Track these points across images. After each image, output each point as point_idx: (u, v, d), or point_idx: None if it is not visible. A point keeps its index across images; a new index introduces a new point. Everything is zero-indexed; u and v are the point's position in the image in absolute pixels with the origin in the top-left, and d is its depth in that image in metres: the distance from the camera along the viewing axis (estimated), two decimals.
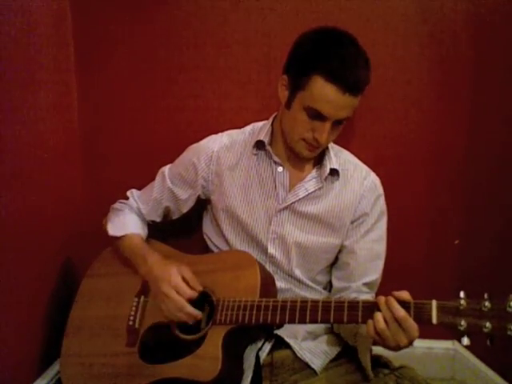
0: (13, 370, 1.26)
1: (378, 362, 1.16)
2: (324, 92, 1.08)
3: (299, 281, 1.28)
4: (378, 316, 0.95)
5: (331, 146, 1.29)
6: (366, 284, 1.25)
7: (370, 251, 1.26)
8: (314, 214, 1.25)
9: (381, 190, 1.30)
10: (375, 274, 1.26)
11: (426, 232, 1.61)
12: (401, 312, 0.93)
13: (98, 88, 1.55)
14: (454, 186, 1.57)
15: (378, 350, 1.26)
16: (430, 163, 1.56)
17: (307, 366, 1.18)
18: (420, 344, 1.66)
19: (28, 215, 1.29)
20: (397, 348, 0.96)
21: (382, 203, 1.29)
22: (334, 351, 1.21)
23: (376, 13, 1.45)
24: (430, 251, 1.62)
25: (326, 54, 1.09)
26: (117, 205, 1.39)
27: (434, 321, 0.92)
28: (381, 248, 1.28)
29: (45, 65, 1.37)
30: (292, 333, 1.22)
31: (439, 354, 1.67)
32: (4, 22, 1.17)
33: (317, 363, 1.18)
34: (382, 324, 0.94)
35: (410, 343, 0.95)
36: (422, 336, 1.63)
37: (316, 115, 1.11)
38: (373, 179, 1.29)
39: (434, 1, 1.45)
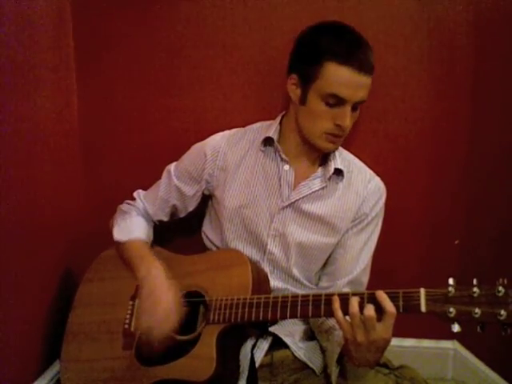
0: (13, 369, 1.26)
1: (378, 362, 1.16)
2: (339, 75, 1.10)
3: (297, 280, 1.28)
4: (353, 301, 0.96)
5: None
6: (349, 282, 1.25)
7: (359, 250, 1.27)
8: (316, 213, 1.25)
9: (384, 194, 1.30)
10: (358, 269, 1.26)
11: (426, 232, 1.61)
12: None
13: (98, 88, 1.54)
14: (454, 186, 1.57)
15: None
16: (431, 163, 1.56)
17: (306, 366, 1.18)
18: (420, 344, 1.66)
19: (28, 216, 1.29)
20: (363, 355, 0.97)
21: (381, 206, 1.29)
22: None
23: (376, 13, 1.45)
24: (430, 251, 1.62)
25: (332, 39, 1.13)
26: (124, 206, 1.39)
27: (423, 309, 0.92)
28: (369, 248, 1.29)
29: (45, 65, 1.37)
30: (289, 331, 1.22)
31: (439, 354, 1.67)
32: (4, 21, 1.17)
33: (316, 363, 1.18)
34: (355, 308, 0.95)
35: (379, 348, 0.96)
36: (422, 336, 1.66)
37: (335, 102, 1.12)
38: (377, 183, 1.30)
39: (434, 1, 1.45)
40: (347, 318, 0.98)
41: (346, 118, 1.13)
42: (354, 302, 0.96)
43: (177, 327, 1.12)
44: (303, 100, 1.18)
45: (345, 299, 0.98)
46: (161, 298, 1.13)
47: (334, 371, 1.09)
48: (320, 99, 1.14)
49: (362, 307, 0.96)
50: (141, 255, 1.26)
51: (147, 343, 1.13)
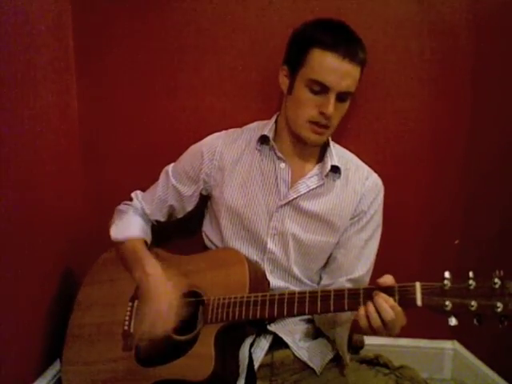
0: (13, 369, 1.26)
1: (378, 362, 1.16)
2: (323, 61, 1.11)
3: (297, 279, 1.28)
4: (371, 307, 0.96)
5: (333, 144, 1.29)
6: (350, 280, 1.25)
7: (360, 249, 1.27)
8: (314, 211, 1.25)
9: (382, 190, 1.30)
10: (361, 271, 1.26)
11: (426, 232, 1.61)
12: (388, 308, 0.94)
13: (98, 88, 1.54)
14: (454, 186, 1.57)
15: (377, 349, 1.26)
16: (430, 163, 1.56)
17: (307, 366, 1.18)
18: (420, 344, 1.67)
19: (28, 216, 1.29)
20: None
21: (379, 203, 1.29)
22: (333, 351, 1.21)
23: (376, 12, 1.45)
24: (430, 251, 1.62)
25: (320, 29, 1.15)
26: (121, 206, 1.40)
27: (419, 303, 0.92)
28: (372, 247, 1.29)
29: (45, 65, 1.37)
30: (290, 331, 1.22)
31: (439, 354, 1.67)
32: (4, 21, 1.17)
33: (316, 363, 1.18)
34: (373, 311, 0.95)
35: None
36: (422, 336, 1.66)
37: (319, 89, 1.13)
38: (374, 179, 1.30)
39: (434, 1, 1.45)
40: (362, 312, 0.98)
41: (330, 106, 1.12)
42: (373, 313, 0.96)
43: (174, 327, 1.12)
44: (290, 89, 1.19)
45: (340, 295, 1.00)
46: (156, 299, 1.14)
47: (346, 353, 1.10)
48: (305, 86, 1.14)
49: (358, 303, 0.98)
50: (136, 255, 1.26)
51: (147, 344, 1.13)
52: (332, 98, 1.12)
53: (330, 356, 1.20)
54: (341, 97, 1.14)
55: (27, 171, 1.29)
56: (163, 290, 1.15)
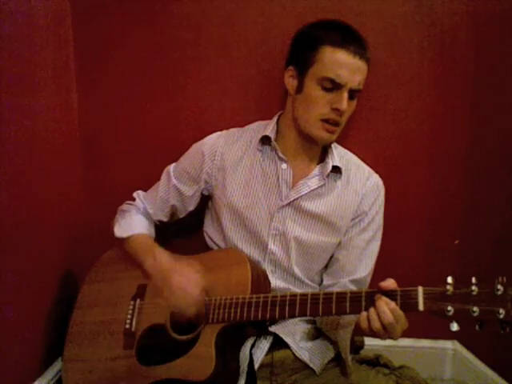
0: (14, 368, 1.26)
1: (378, 362, 1.16)
2: (335, 58, 1.13)
3: (298, 279, 1.28)
4: (373, 314, 0.96)
5: (335, 145, 1.30)
6: (353, 281, 1.25)
7: (362, 250, 1.27)
8: (316, 212, 1.25)
9: (382, 191, 1.30)
10: (364, 272, 1.26)
11: (426, 232, 1.61)
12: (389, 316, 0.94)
13: (98, 88, 1.54)
14: (454, 186, 1.57)
15: (378, 349, 1.26)
16: (430, 163, 1.56)
17: (307, 366, 1.18)
18: (420, 344, 1.66)
19: (29, 216, 1.29)
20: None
21: (380, 204, 1.29)
22: (333, 351, 1.21)
23: (376, 12, 1.45)
24: (430, 251, 1.62)
25: (328, 28, 1.17)
26: (124, 206, 1.40)
27: (421, 307, 0.92)
28: (373, 248, 1.29)
29: (45, 65, 1.37)
30: (290, 331, 1.22)
31: (439, 354, 1.67)
32: (4, 21, 1.17)
33: (316, 363, 1.18)
34: (376, 322, 0.95)
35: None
36: (423, 336, 1.66)
37: (331, 86, 1.14)
38: (375, 180, 1.30)
39: (434, 1, 1.45)
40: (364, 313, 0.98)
41: (343, 101, 1.13)
42: (374, 315, 0.96)
43: (202, 287, 1.13)
44: (299, 88, 1.19)
45: (342, 298, 1.00)
46: (176, 274, 1.14)
47: (349, 356, 1.10)
48: (316, 84, 1.15)
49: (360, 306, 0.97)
50: (144, 247, 1.26)
51: (183, 316, 1.13)
52: (345, 93, 1.14)
53: (330, 356, 1.20)
54: (351, 94, 1.16)
55: (27, 171, 1.29)
56: (179, 266, 1.16)
